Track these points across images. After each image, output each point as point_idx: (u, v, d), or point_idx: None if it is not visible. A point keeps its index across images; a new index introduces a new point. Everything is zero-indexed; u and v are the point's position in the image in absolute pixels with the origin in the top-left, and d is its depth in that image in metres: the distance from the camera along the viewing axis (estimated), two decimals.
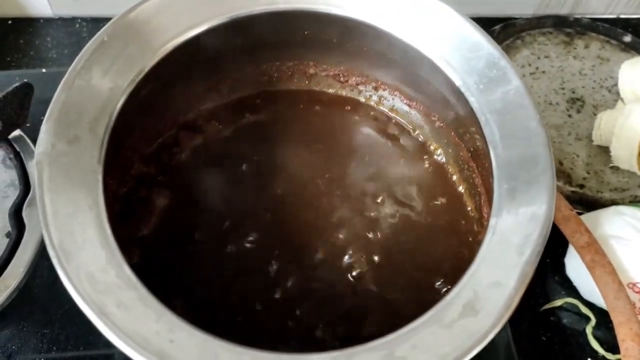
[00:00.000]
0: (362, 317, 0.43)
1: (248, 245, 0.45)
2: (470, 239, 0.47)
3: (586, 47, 0.72)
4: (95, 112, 0.37)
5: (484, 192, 0.46)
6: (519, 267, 0.34)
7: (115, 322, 0.31)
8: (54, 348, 0.46)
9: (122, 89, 0.39)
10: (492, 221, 0.36)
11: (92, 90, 0.38)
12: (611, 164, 0.62)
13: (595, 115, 0.65)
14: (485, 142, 0.39)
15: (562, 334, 0.52)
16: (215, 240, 0.45)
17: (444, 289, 0.44)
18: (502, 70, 0.41)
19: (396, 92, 0.52)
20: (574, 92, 0.68)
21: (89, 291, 0.31)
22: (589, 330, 0.51)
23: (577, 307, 0.52)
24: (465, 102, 0.41)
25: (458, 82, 0.42)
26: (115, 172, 0.44)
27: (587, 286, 0.51)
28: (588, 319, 0.52)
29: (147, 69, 0.40)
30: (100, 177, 0.36)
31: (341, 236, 0.46)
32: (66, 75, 0.38)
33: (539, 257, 0.34)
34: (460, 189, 0.50)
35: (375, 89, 0.53)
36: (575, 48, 0.72)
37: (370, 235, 0.47)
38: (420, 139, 0.53)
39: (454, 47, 0.43)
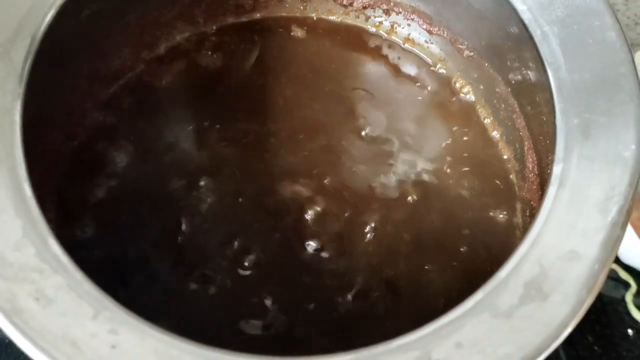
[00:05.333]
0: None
1: (236, 213, 0.38)
2: (510, 195, 0.40)
3: None
4: (10, 29, 0.29)
5: (528, 137, 0.39)
6: (603, 231, 0.26)
7: (31, 322, 0.23)
8: None
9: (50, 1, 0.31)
10: (556, 169, 0.28)
11: None
12: None
13: None
14: (542, 64, 0.31)
15: (599, 302, 0.49)
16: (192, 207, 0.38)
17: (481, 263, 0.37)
18: None
19: (413, 15, 0.45)
20: None
21: None
22: (628, 297, 0.48)
23: (615, 272, 0.49)
24: (512, 13, 0.33)
25: None
26: (60, 119, 0.37)
27: (627, 249, 0.47)
28: (627, 286, 0.49)
29: None
30: (17, 119, 0.28)
31: (347, 199, 0.39)
32: None
33: (629, 217, 0.26)
34: (495, 134, 0.43)
35: (387, 12, 0.46)
36: None
37: (382, 197, 0.40)
38: (442, 75, 0.45)
39: None
